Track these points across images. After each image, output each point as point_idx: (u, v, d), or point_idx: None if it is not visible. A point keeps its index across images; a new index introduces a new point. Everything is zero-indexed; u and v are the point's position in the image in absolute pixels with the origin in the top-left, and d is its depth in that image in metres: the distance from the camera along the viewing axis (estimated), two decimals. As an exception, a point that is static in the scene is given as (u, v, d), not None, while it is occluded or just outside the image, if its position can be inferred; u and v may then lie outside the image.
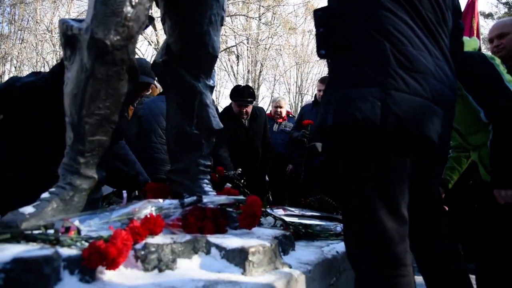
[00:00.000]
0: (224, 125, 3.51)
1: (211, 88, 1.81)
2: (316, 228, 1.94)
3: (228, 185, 1.87)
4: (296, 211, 2.33)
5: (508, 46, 2.24)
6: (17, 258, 0.90)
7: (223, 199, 1.49)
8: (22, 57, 13.66)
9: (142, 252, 1.11)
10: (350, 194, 1.23)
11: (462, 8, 1.92)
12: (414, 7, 1.22)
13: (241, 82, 16.38)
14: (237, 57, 16.41)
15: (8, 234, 1.09)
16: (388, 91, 1.13)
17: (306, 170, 3.96)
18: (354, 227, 1.22)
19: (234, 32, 13.18)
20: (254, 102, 3.83)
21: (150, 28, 8.94)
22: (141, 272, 1.09)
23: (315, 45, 1.35)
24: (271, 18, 15.01)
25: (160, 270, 1.12)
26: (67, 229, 1.12)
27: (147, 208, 1.30)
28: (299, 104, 16.63)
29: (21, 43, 13.72)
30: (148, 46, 9.84)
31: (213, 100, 1.90)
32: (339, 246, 1.72)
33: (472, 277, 1.52)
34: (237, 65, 16.63)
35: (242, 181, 2.71)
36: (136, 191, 2.27)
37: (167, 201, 1.39)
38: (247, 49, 15.71)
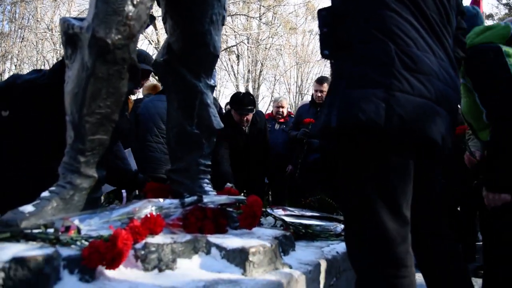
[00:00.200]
0: (224, 134, 3.53)
1: (212, 88, 1.81)
2: (316, 229, 1.94)
3: (229, 185, 1.87)
4: (296, 211, 2.33)
5: None
6: (16, 257, 0.90)
7: (223, 199, 1.48)
8: (22, 55, 13.66)
9: (142, 252, 1.10)
10: (351, 194, 1.23)
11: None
12: (419, 8, 1.22)
13: (241, 82, 16.38)
14: (238, 56, 16.40)
15: (8, 233, 1.09)
16: (392, 92, 1.13)
17: (302, 167, 3.95)
18: (355, 227, 1.22)
19: (234, 31, 13.18)
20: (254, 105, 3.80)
21: (150, 27, 8.95)
22: (141, 272, 1.09)
23: (319, 45, 1.35)
24: (272, 18, 15.00)
25: (160, 270, 1.11)
26: (67, 228, 1.12)
27: (147, 208, 1.29)
28: (299, 104, 16.60)
29: (21, 42, 13.71)
30: (148, 45, 9.83)
31: (214, 99, 1.89)
32: (339, 247, 1.72)
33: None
34: (238, 65, 16.63)
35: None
36: (137, 191, 2.27)
37: (168, 201, 1.39)
38: (248, 49, 15.70)
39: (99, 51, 1.31)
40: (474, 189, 2.00)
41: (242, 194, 2.47)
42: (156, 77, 5.61)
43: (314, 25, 16.46)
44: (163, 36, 9.22)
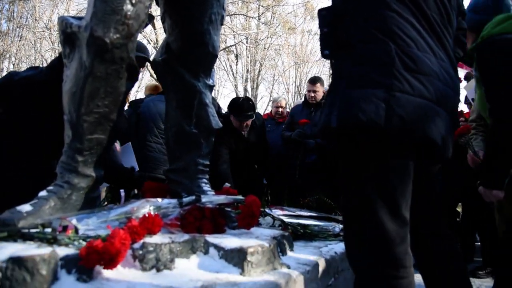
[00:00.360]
0: (224, 139, 3.52)
1: (211, 87, 1.81)
2: (315, 229, 1.94)
3: (227, 184, 1.86)
4: (295, 211, 2.33)
5: None
6: (14, 256, 0.90)
7: (222, 198, 1.48)
8: (20, 54, 13.62)
9: (140, 252, 1.10)
10: (350, 194, 1.23)
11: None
12: (419, 8, 1.22)
13: (240, 82, 16.38)
14: (236, 56, 16.38)
15: (5, 232, 1.09)
16: (393, 93, 1.13)
17: (301, 168, 3.94)
18: (354, 227, 1.22)
19: (233, 31, 13.17)
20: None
21: (149, 26, 8.93)
22: (139, 272, 1.09)
23: (318, 45, 1.36)
24: (271, 18, 14.99)
25: (158, 270, 1.11)
26: (65, 228, 1.11)
27: (145, 207, 1.29)
28: (292, 104, 16.63)
29: (19, 41, 13.68)
30: (147, 44, 9.81)
31: (213, 98, 1.89)
32: (338, 247, 1.72)
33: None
34: (236, 65, 16.60)
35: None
36: (135, 190, 2.27)
37: (166, 201, 1.38)
38: (246, 49, 15.69)
39: (97, 50, 1.31)
40: (476, 190, 2.00)
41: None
42: (155, 77, 5.60)
43: (313, 25, 16.49)
44: (161, 36, 9.21)
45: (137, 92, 14.25)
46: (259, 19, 14.49)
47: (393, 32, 1.18)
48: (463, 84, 3.42)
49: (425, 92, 1.16)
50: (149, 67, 8.01)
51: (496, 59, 1.80)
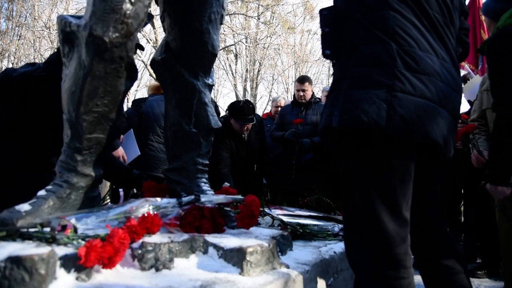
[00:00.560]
0: (224, 143, 3.51)
1: (210, 87, 1.80)
2: (314, 228, 1.94)
3: (226, 184, 1.86)
4: (294, 211, 2.33)
5: None
6: (12, 256, 0.89)
7: (221, 198, 1.48)
8: (19, 53, 13.59)
9: (139, 251, 1.10)
10: (351, 194, 1.23)
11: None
12: (421, 8, 1.22)
13: (239, 81, 16.37)
14: (236, 56, 16.38)
15: (3, 231, 1.08)
16: (394, 93, 1.13)
17: (296, 168, 3.93)
18: (354, 227, 1.21)
19: (233, 31, 13.16)
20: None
21: (148, 25, 8.92)
22: (138, 271, 1.08)
23: (317, 45, 1.35)
24: (270, 18, 14.99)
25: (157, 270, 1.11)
26: (64, 227, 1.11)
27: (144, 207, 1.29)
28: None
29: (18, 40, 13.65)
30: (146, 43, 9.81)
31: (212, 99, 1.89)
32: (337, 246, 1.72)
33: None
34: (236, 64, 16.60)
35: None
36: (134, 189, 2.26)
37: (165, 200, 1.38)
38: (246, 48, 15.68)
39: (97, 49, 1.31)
40: (481, 189, 2.01)
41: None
42: (154, 76, 5.59)
43: (313, 25, 16.48)
44: (161, 35, 9.20)
45: (137, 91, 14.26)
46: (259, 18, 14.49)
47: (395, 32, 1.18)
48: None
49: (427, 92, 1.16)
50: (149, 67, 8.01)
51: (505, 52, 1.75)
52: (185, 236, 1.25)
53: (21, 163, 1.98)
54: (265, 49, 15.36)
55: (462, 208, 3.89)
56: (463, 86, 3.49)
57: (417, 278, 1.29)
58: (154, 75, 4.45)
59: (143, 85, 14.42)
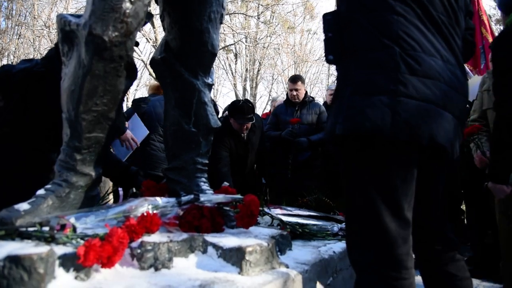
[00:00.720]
0: (223, 142, 3.51)
1: (210, 86, 1.80)
2: (313, 228, 1.94)
3: (226, 184, 1.86)
4: (293, 211, 2.33)
5: None
6: (11, 255, 0.89)
7: (220, 197, 1.48)
8: (19, 52, 13.57)
9: (138, 251, 1.10)
10: (352, 195, 1.23)
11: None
12: (425, 10, 1.20)
13: (239, 81, 16.37)
14: (236, 55, 16.37)
15: (2, 231, 1.08)
16: (398, 98, 1.13)
17: (293, 167, 3.92)
18: (356, 227, 1.22)
19: (232, 30, 13.15)
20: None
21: (148, 24, 8.91)
22: (137, 271, 1.08)
23: (323, 50, 1.34)
24: (270, 17, 14.98)
25: (156, 269, 1.11)
26: (63, 227, 1.11)
27: (143, 206, 1.29)
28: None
29: (18, 39, 13.63)
30: (146, 43, 9.81)
31: (211, 98, 1.89)
32: (336, 246, 1.72)
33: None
34: (235, 64, 16.59)
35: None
36: (134, 189, 2.26)
37: (164, 199, 1.38)
38: (246, 48, 15.68)
39: (96, 48, 1.30)
40: (485, 190, 2.01)
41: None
42: (154, 75, 5.59)
43: (312, 25, 16.50)
44: (161, 34, 9.20)
45: (136, 91, 14.25)
46: (259, 18, 14.49)
47: (398, 36, 1.17)
48: None
49: (431, 96, 1.15)
50: (148, 66, 8.00)
51: (509, 50, 1.73)
52: (184, 235, 1.25)
53: (21, 163, 1.98)
54: (265, 48, 15.36)
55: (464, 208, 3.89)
56: None
57: (417, 279, 1.29)
58: (153, 74, 4.45)
59: (142, 84, 14.42)
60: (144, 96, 4.46)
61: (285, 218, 1.91)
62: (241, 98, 9.22)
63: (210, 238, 1.26)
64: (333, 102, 1.31)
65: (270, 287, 1.13)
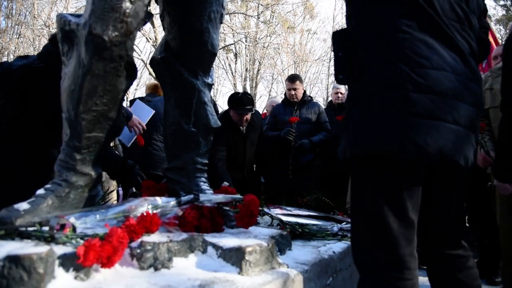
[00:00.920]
0: (222, 136, 3.51)
1: (210, 86, 1.80)
2: (313, 228, 1.94)
3: (226, 183, 1.86)
4: (293, 211, 2.33)
5: None
6: (11, 255, 0.89)
7: (220, 197, 1.48)
8: (19, 52, 13.55)
9: (138, 251, 1.10)
10: (357, 195, 1.25)
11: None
12: (433, 21, 1.19)
13: (239, 80, 16.37)
14: (235, 55, 16.38)
15: (2, 230, 1.08)
16: (405, 117, 1.13)
17: (293, 168, 3.91)
18: (360, 227, 1.22)
19: (232, 30, 13.16)
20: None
21: (148, 24, 8.91)
22: (137, 271, 1.08)
23: (334, 69, 1.34)
24: (270, 17, 14.99)
25: (156, 269, 1.11)
26: (62, 226, 1.11)
27: (143, 206, 1.29)
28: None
29: (18, 38, 13.63)
30: (146, 43, 9.81)
31: (211, 98, 1.89)
32: (336, 246, 1.72)
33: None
34: (235, 63, 16.59)
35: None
36: (133, 188, 2.26)
37: (164, 199, 1.38)
38: (246, 47, 15.68)
39: (96, 48, 1.30)
40: (488, 191, 2.03)
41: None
42: (154, 75, 5.59)
43: (312, 24, 16.50)
44: (160, 34, 9.20)
45: (136, 90, 14.24)
46: (258, 18, 14.50)
47: (404, 54, 1.16)
48: None
49: (439, 112, 1.14)
50: (148, 66, 8.00)
51: None
52: (184, 235, 1.25)
53: (21, 163, 1.98)
54: (265, 48, 15.36)
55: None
56: None
57: (423, 279, 1.29)
58: (153, 74, 4.45)
59: (142, 84, 14.41)
60: (141, 96, 4.46)
61: (284, 218, 1.91)
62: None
63: (210, 238, 1.26)
64: (343, 122, 1.32)
65: (269, 287, 1.12)
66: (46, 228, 1.09)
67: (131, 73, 1.43)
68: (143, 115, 2.93)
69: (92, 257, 0.97)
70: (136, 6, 1.33)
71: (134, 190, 2.26)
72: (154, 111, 3.12)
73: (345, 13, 1.37)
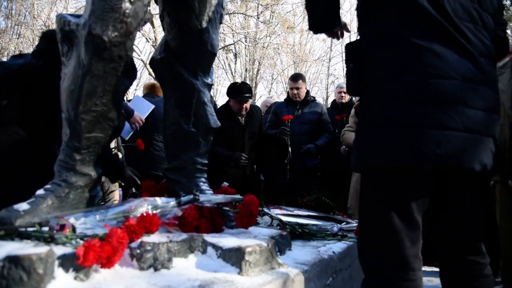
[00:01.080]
0: (221, 125, 3.52)
1: (209, 86, 1.80)
2: (313, 228, 1.94)
3: (225, 183, 1.85)
4: (293, 211, 2.33)
5: None
6: (10, 255, 0.89)
7: (220, 198, 1.48)
8: (19, 52, 13.57)
9: (138, 251, 1.10)
10: (363, 196, 1.26)
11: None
12: (442, 28, 1.18)
13: (239, 80, 16.34)
14: (235, 55, 16.37)
15: (2, 231, 1.08)
16: (414, 129, 1.13)
17: (298, 171, 3.89)
18: (366, 228, 1.23)
19: (232, 30, 13.15)
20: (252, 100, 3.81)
21: (148, 24, 8.91)
22: (137, 271, 1.08)
23: (345, 81, 1.35)
24: (270, 17, 14.98)
25: (156, 269, 1.11)
26: (62, 227, 1.11)
27: (143, 206, 1.29)
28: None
29: (18, 38, 13.62)
30: (146, 43, 9.82)
31: (211, 97, 1.89)
32: (336, 246, 1.72)
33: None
34: (235, 63, 16.59)
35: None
36: (133, 189, 2.26)
37: (164, 200, 1.38)
38: (245, 48, 15.67)
39: (96, 48, 1.30)
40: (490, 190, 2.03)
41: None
42: (153, 75, 5.60)
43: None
44: (160, 34, 9.19)
45: (136, 90, 14.23)
46: (258, 18, 14.48)
47: (414, 66, 1.16)
48: None
49: (449, 121, 1.14)
50: (148, 66, 8.00)
51: None
52: (184, 235, 1.24)
53: (21, 163, 1.98)
54: (265, 48, 15.35)
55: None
56: None
57: (436, 280, 1.29)
58: (153, 74, 4.45)
59: (142, 84, 14.37)
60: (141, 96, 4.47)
61: (284, 218, 1.91)
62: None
63: (210, 238, 1.26)
64: (355, 134, 1.34)
65: (269, 287, 1.12)
66: (45, 229, 1.09)
67: (131, 74, 1.44)
68: (142, 109, 2.94)
69: (91, 258, 0.97)
70: (136, 6, 1.33)
71: (134, 190, 2.26)
72: (153, 106, 3.13)
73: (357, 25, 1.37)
